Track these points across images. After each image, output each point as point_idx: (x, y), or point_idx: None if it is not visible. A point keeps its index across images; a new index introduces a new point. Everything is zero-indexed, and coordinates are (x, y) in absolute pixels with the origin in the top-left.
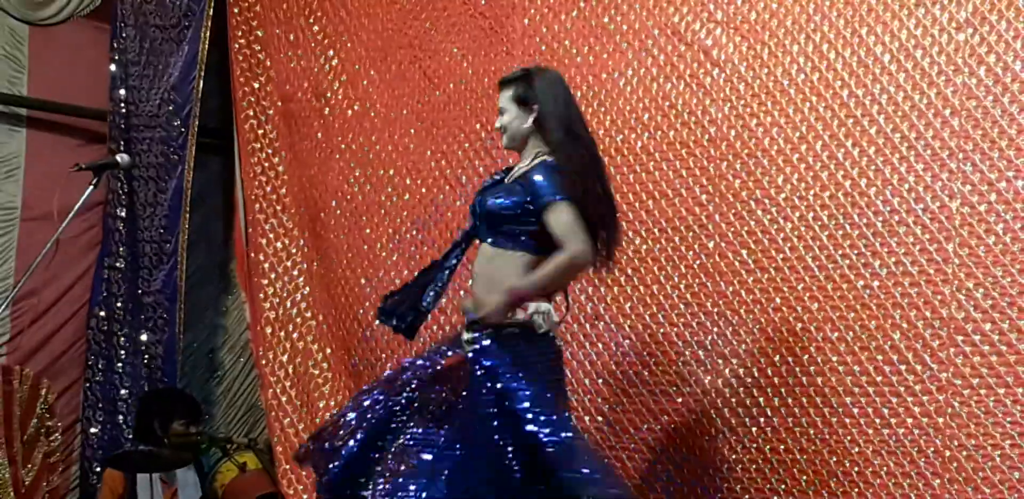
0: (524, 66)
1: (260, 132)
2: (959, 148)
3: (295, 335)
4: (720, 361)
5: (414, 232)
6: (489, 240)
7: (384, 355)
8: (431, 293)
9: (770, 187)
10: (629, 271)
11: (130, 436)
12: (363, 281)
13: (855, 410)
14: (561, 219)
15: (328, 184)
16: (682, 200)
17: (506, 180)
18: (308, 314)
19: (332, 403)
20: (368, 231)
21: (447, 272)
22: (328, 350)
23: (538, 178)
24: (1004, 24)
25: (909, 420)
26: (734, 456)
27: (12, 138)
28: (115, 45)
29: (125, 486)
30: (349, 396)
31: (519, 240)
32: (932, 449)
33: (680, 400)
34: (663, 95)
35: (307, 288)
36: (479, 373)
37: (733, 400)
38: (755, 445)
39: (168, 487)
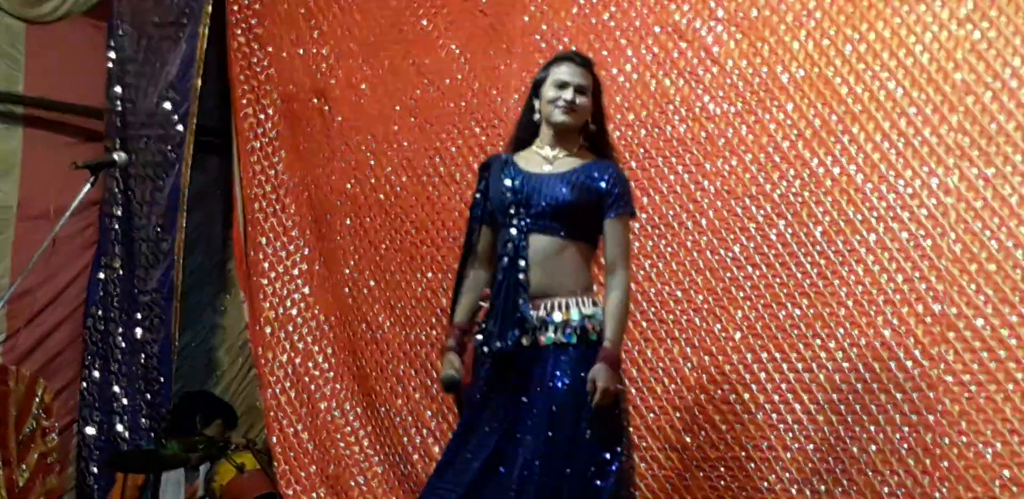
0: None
1: (260, 131)
2: (956, 144)
3: (295, 335)
4: (707, 357)
5: (413, 231)
6: (553, 231)
7: (396, 358)
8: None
9: (766, 183)
10: None
11: (125, 436)
12: (372, 283)
13: (842, 407)
14: (625, 235)
15: (332, 185)
16: (676, 196)
17: (549, 169)
18: (308, 314)
19: (333, 404)
20: (372, 231)
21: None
22: (329, 350)
23: (620, 184)
24: (1004, 20)
25: (898, 417)
26: (717, 453)
27: (8, 136)
28: (111, 43)
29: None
30: (351, 398)
31: (585, 232)
32: (922, 446)
33: (666, 397)
34: (662, 91)
35: (307, 288)
36: None
37: (717, 396)
38: (738, 442)
39: (190, 485)
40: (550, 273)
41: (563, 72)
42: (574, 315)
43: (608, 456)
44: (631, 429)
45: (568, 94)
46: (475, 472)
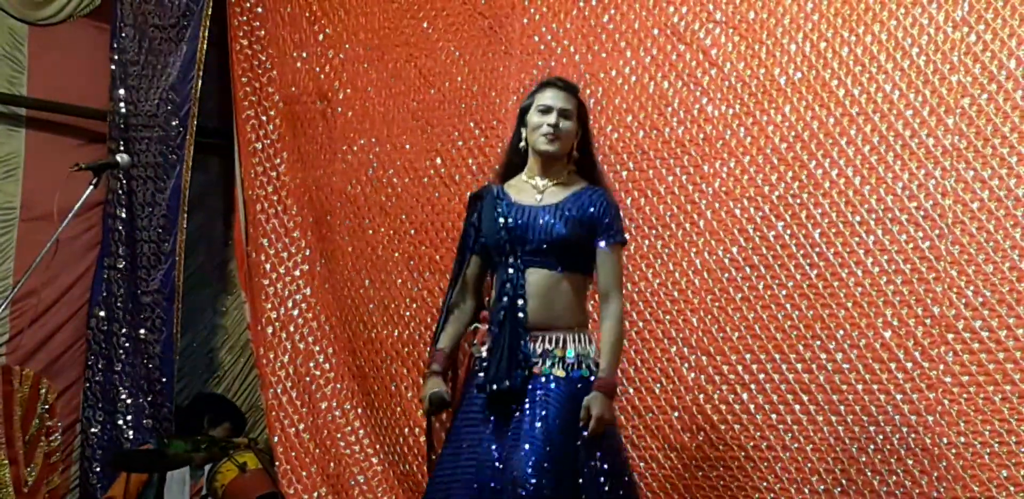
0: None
1: (261, 132)
2: (953, 146)
3: (296, 336)
4: (704, 358)
5: (412, 232)
6: (550, 266)
7: (389, 357)
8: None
9: (764, 185)
10: None
11: (128, 435)
12: (367, 283)
13: (842, 407)
14: (617, 264)
15: (333, 186)
16: (674, 198)
17: (540, 199)
18: (309, 315)
19: (334, 404)
20: (371, 232)
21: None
22: (330, 350)
23: (611, 213)
24: (1000, 22)
25: (897, 418)
26: (716, 453)
27: (11, 138)
28: (114, 45)
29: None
30: (352, 398)
31: (581, 264)
32: (920, 447)
33: (664, 397)
34: (660, 94)
35: (308, 289)
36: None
37: (716, 397)
38: (737, 442)
39: (194, 483)
40: (548, 307)
41: (547, 97)
42: (570, 352)
43: (608, 487)
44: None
45: (552, 119)
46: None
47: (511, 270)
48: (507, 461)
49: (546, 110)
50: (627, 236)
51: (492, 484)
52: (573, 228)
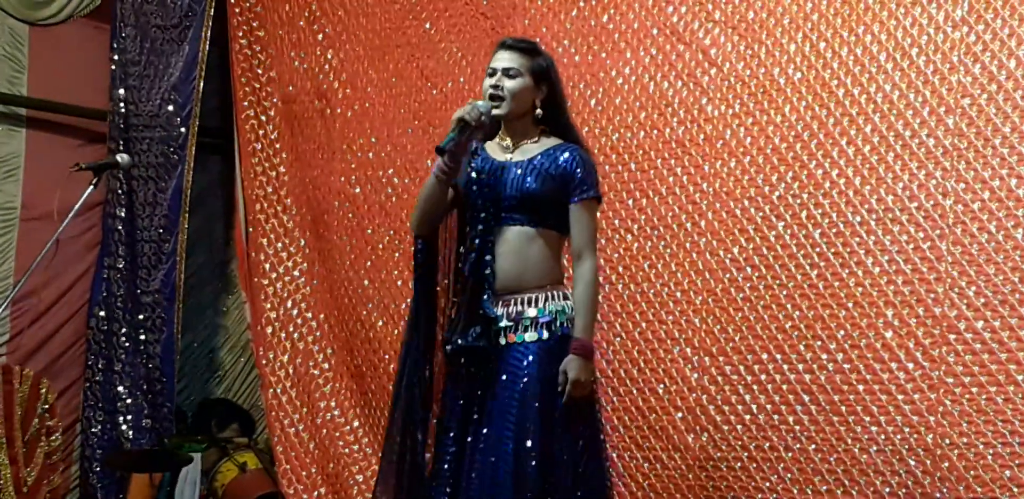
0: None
1: (261, 132)
2: (953, 146)
3: (296, 335)
4: (707, 358)
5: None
6: (522, 222)
7: (387, 356)
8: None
9: (764, 185)
10: (620, 269)
11: (129, 435)
12: (366, 283)
13: (843, 408)
14: (591, 220)
15: (331, 185)
16: (675, 198)
17: (511, 157)
18: (309, 314)
19: (332, 403)
20: (370, 231)
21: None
22: (329, 350)
23: (585, 168)
24: (999, 22)
25: (899, 418)
26: (719, 454)
27: (12, 138)
28: (115, 45)
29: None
30: (351, 397)
31: (554, 220)
32: (922, 447)
33: (667, 397)
34: (660, 94)
35: (308, 288)
36: None
37: (719, 397)
38: (740, 443)
39: (203, 488)
40: (519, 267)
41: (495, 59)
42: (543, 311)
43: (582, 449)
44: (605, 422)
45: (494, 80)
46: (464, 476)
47: (481, 227)
48: (488, 448)
49: (491, 73)
50: (601, 192)
51: (472, 468)
52: (545, 183)
